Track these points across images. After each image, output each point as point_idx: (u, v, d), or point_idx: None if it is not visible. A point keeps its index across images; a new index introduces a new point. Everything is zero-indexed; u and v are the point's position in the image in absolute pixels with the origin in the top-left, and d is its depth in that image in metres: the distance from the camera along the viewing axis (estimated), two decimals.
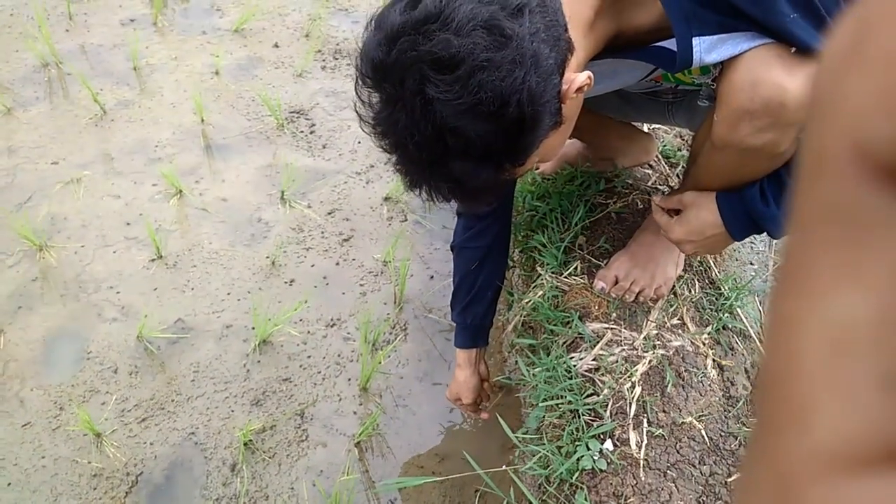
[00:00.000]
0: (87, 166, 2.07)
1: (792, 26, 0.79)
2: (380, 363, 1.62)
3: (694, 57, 0.84)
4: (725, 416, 1.12)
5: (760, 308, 1.42)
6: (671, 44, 0.87)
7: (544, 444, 1.09)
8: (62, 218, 1.92)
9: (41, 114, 2.22)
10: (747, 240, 1.60)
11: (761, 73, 0.82)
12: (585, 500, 0.99)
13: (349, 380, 1.64)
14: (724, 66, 0.87)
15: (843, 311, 0.13)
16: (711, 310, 1.26)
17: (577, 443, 1.07)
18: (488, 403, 1.53)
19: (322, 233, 1.95)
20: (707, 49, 0.83)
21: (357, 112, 0.82)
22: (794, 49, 0.81)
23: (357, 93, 0.81)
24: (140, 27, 2.57)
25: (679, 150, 1.57)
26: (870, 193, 0.13)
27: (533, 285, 1.34)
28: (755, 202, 0.97)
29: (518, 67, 0.74)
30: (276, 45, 2.55)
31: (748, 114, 0.85)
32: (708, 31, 0.82)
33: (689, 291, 1.27)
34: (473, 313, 1.36)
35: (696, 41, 0.83)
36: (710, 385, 1.15)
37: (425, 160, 0.80)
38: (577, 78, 0.82)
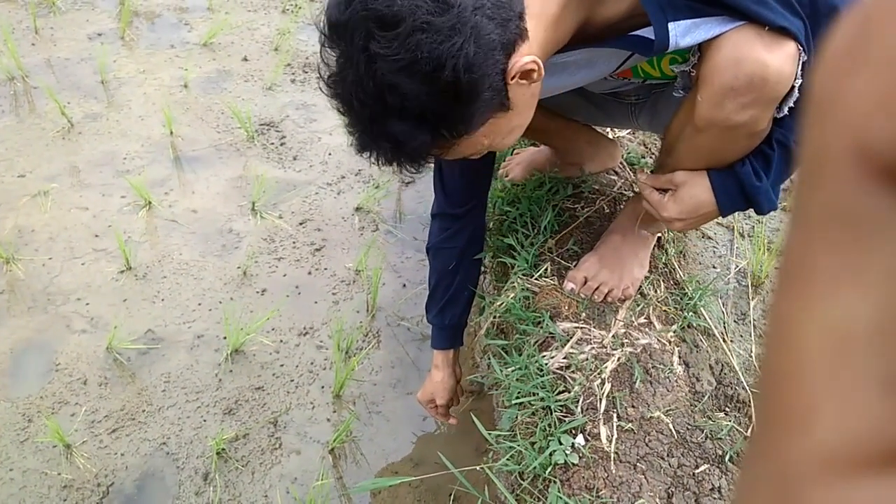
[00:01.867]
0: (55, 179, 2.05)
1: (761, 7, 0.85)
2: (353, 370, 1.63)
3: (670, 41, 0.88)
4: (692, 411, 1.15)
5: (723, 309, 1.46)
6: (646, 32, 0.91)
7: (518, 440, 1.11)
8: (29, 230, 1.90)
9: (7, 127, 2.20)
10: (710, 244, 1.65)
11: (744, 52, 0.87)
12: (559, 493, 1.01)
13: (322, 387, 1.64)
14: (703, 49, 0.92)
15: (843, 312, 0.13)
16: (677, 309, 1.30)
17: (549, 438, 1.09)
18: (459, 409, 1.55)
19: (294, 243, 1.96)
20: (682, 33, 0.88)
21: (319, 73, 0.87)
22: (766, 28, 0.86)
23: (321, 54, 0.86)
24: (107, 41, 2.57)
25: (643, 157, 1.62)
26: (870, 194, 0.13)
27: (504, 288, 1.36)
28: (749, 178, 1.01)
29: (457, 34, 0.78)
30: (246, 59, 2.56)
31: (732, 91, 0.89)
32: (682, 16, 0.87)
33: (655, 291, 1.31)
34: (451, 313, 1.38)
35: (671, 26, 0.87)
36: (676, 381, 1.18)
37: (367, 117, 0.85)
38: (521, 60, 0.86)
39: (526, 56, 0.87)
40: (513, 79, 0.87)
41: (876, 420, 0.13)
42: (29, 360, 1.64)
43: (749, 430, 1.18)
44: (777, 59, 0.87)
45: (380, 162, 0.92)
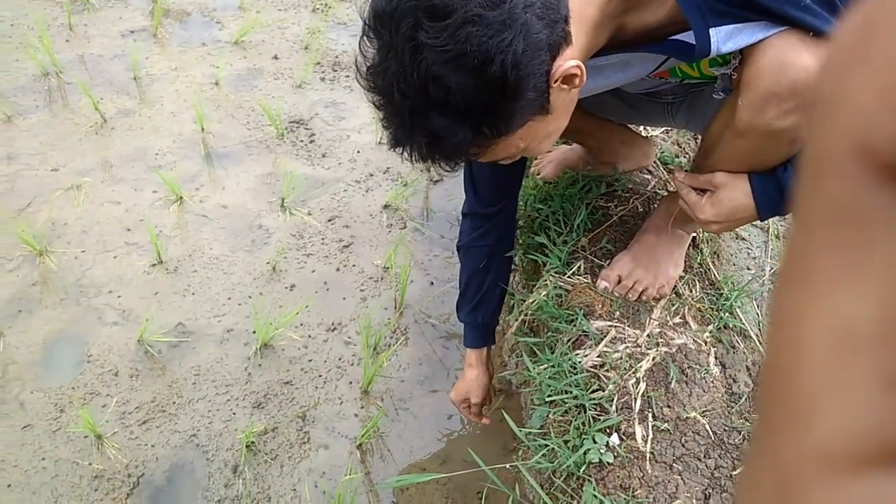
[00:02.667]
0: (87, 173, 2.07)
1: (805, 13, 0.83)
2: (381, 367, 1.63)
3: (712, 47, 0.87)
4: (728, 412, 1.13)
5: (759, 311, 1.44)
6: (686, 36, 0.90)
7: (551, 438, 1.10)
8: (62, 223, 1.93)
9: (41, 122, 2.23)
10: (744, 245, 1.63)
11: (787, 57, 0.85)
12: (594, 491, 1.00)
13: (350, 383, 1.65)
14: (745, 53, 0.90)
15: (845, 310, 0.13)
16: (712, 309, 1.28)
17: (583, 437, 1.08)
18: (491, 408, 1.54)
19: (322, 239, 1.96)
20: (724, 39, 0.87)
21: (356, 66, 0.87)
22: (811, 34, 0.84)
23: (359, 46, 0.85)
24: (140, 38, 2.59)
25: (676, 156, 1.60)
26: (872, 192, 0.13)
27: (536, 286, 1.35)
28: (791, 183, 1.00)
29: (507, 30, 0.77)
30: (276, 57, 2.57)
31: (775, 96, 0.88)
32: (723, 21, 0.86)
33: (691, 291, 1.29)
34: (484, 312, 1.38)
35: (712, 31, 0.86)
36: (712, 382, 1.17)
37: (407, 110, 0.83)
38: (566, 63, 0.85)
39: (570, 60, 0.86)
40: (556, 82, 0.86)
41: (877, 418, 0.13)
42: (61, 352, 1.65)
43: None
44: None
45: (413, 158, 0.91)
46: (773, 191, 1.02)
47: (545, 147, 0.98)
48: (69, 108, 2.29)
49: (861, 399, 0.13)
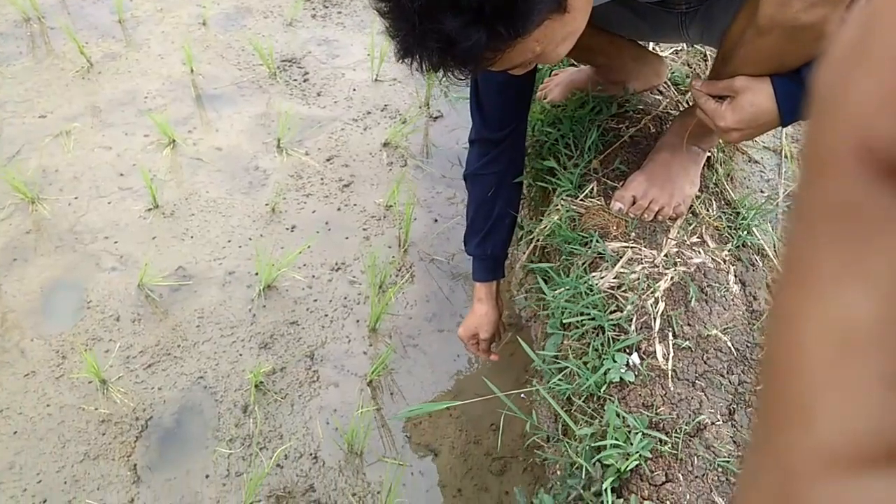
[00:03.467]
0: (76, 119, 2.01)
1: None
2: (387, 305, 1.59)
3: None
4: (750, 329, 1.10)
5: (774, 231, 1.40)
6: None
7: (569, 361, 1.07)
8: (53, 170, 1.87)
9: (25, 68, 2.15)
10: (756, 168, 1.58)
11: None
12: (616, 410, 0.97)
13: (357, 321, 1.61)
14: None
15: (845, 308, 0.13)
16: (730, 228, 1.24)
17: (602, 358, 1.05)
18: (500, 344, 1.51)
19: (321, 179, 1.91)
20: None
21: None
22: None
23: None
24: None
25: (687, 76, 1.55)
26: (873, 191, 0.13)
27: (547, 211, 1.31)
28: None
29: None
30: None
31: None
32: None
33: (707, 210, 1.25)
34: (493, 242, 1.33)
35: None
36: (732, 300, 1.13)
37: (417, 12, 0.78)
38: None
39: None
40: None
41: (878, 416, 0.13)
42: (59, 299, 1.61)
43: None
44: None
45: (424, 67, 0.86)
46: (797, 92, 0.97)
47: (562, 52, 0.92)
48: (53, 53, 2.21)
49: (862, 398, 0.13)
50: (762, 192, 1.54)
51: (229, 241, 1.74)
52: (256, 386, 1.46)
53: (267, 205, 1.83)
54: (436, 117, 2.11)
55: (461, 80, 0.90)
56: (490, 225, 1.33)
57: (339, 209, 1.85)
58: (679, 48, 1.65)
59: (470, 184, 1.34)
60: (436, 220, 1.85)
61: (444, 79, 0.89)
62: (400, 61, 0.87)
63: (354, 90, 2.17)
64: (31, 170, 1.86)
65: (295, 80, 2.18)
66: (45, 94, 2.07)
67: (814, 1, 0.84)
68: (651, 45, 1.53)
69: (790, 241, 0.15)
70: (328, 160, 1.96)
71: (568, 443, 1.03)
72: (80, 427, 1.40)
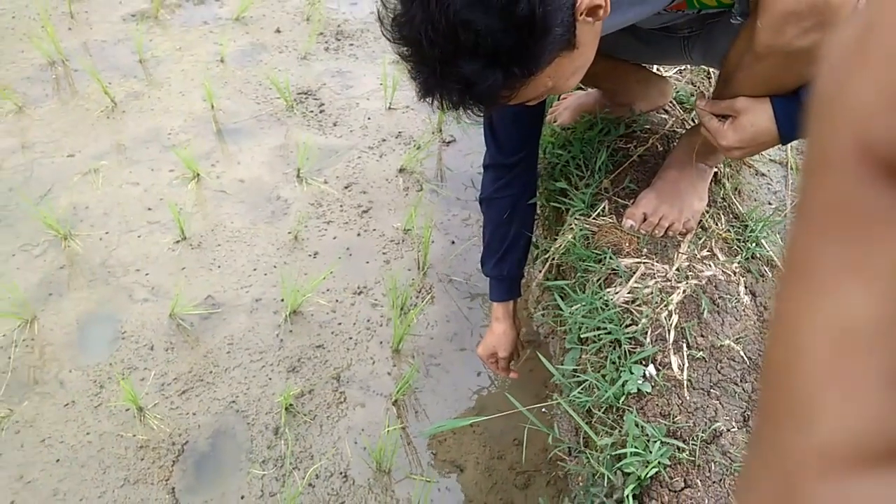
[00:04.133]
0: (103, 157, 2.09)
1: None
2: (409, 326, 1.65)
3: None
4: (762, 338, 1.14)
5: (782, 242, 1.44)
6: None
7: (588, 374, 1.12)
8: (83, 207, 1.95)
9: (52, 110, 2.24)
10: (764, 180, 1.63)
11: None
12: (635, 420, 1.02)
13: (381, 343, 1.67)
14: None
15: (846, 308, 0.13)
16: (739, 241, 1.28)
17: (620, 370, 1.09)
18: (518, 361, 1.55)
19: (341, 206, 1.97)
20: None
21: (379, 18, 0.87)
22: None
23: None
24: (142, 21, 2.59)
25: (692, 95, 1.60)
26: (874, 191, 0.13)
27: (562, 230, 1.36)
28: None
29: None
30: (278, 31, 2.57)
31: (794, 15, 0.88)
32: None
33: (716, 224, 1.30)
34: (510, 263, 1.38)
35: None
36: (744, 310, 1.18)
37: (437, 58, 0.83)
38: None
39: None
40: (581, 15, 0.86)
41: (878, 416, 0.13)
42: (95, 331, 1.68)
43: None
44: None
45: (444, 106, 0.91)
46: (795, 112, 1.02)
47: (572, 83, 0.98)
48: (78, 94, 2.30)
49: (863, 397, 0.13)
50: (770, 203, 1.58)
51: (255, 270, 1.81)
52: (286, 408, 1.51)
53: (289, 233, 1.89)
54: (449, 142, 2.17)
55: (479, 116, 0.96)
56: (506, 247, 1.38)
57: (358, 235, 1.91)
58: (683, 67, 1.71)
59: (486, 207, 1.40)
60: (453, 242, 1.91)
61: (464, 115, 0.95)
62: (422, 100, 0.93)
63: (369, 119, 2.24)
64: (62, 207, 1.93)
65: (311, 111, 2.26)
66: (73, 134, 2.16)
67: (806, 27, 0.89)
68: (655, 66, 1.59)
69: (791, 241, 0.15)
70: (346, 188, 2.03)
71: (589, 453, 1.08)
72: (119, 453, 1.46)
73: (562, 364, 1.24)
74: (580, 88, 1.62)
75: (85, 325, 1.69)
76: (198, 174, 2.02)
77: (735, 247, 1.27)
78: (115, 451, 1.47)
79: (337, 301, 1.75)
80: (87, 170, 2.05)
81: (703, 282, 1.20)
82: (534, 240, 1.48)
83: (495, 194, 1.36)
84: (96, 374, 1.59)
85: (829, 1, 0.86)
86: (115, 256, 1.83)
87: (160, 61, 2.43)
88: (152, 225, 1.90)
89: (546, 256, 1.43)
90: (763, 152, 1.54)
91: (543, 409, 1.44)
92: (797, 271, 0.15)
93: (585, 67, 0.99)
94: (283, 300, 1.72)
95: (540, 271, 1.50)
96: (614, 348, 1.14)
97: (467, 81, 0.85)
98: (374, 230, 1.92)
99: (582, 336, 1.17)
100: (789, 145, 1.67)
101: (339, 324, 1.70)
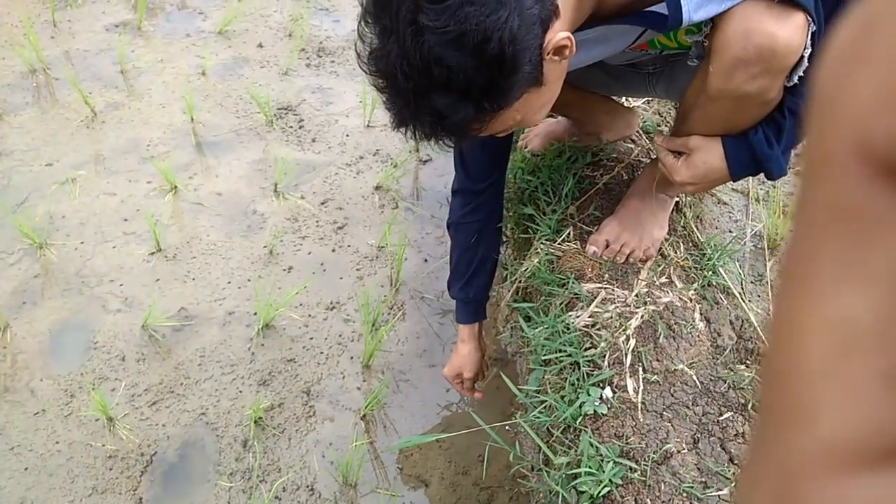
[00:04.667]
0: (81, 166, 2.10)
1: None
2: (380, 342, 1.68)
3: (684, 16, 0.92)
4: (714, 363, 1.20)
5: (740, 270, 1.50)
6: (660, 8, 0.95)
7: (549, 395, 1.16)
8: (60, 216, 1.96)
9: (32, 118, 2.26)
10: (725, 209, 1.69)
11: (753, 24, 0.90)
12: (590, 440, 1.06)
13: (351, 358, 1.70)
14: (715, 22, 0.95)
15: (846, 309, 0.13)
16: (696, 269, 1.34)
17: (578, 391, 1.14)
18: (483, 382, 1.59)
19: (317, 222, 2.01)
20: (695, 7, 0.92)
21: (356, 52, 0.90)
22: (776, 1, 0.89)
23: (359, 32, 0.88)
24: (125, 32, 2.61)
25: (658, 125, 1.66)
26: (873, 191, 0.13)
27: (528, 255, 1.41)
28: (762, 146, 1.05)
29: (502, 8, 0.81)
30: (261, 46, 2.60)
31: (742, 62, 0.93)
32: None
33: (675, 252, 1.35)
34: (476, 287, 1.42)
35: (684, 1, 0.91)
36: (698, 336, 1.23)
37: (411, 91, 0.87)
38: (556, 36, 0.89)
39: (560, 32, 0.90)
40: (548, 54, 0.91)
41: (878, 416, 0.13)
42: (67, 340, 1.69)
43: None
44: (786, 30, 0.91)
45: (418, 136, 0.94)
46: (745, 153, 1.08)
47: (539, 117, 1.03)
48: (59, 103, 2.31)
49: (863, 398, 0.13)
50: (730, 231, 1.64)
51: (229, 283, 1.83)
52: (256, 421, 1.54)
53: (265, 247, 1.92)
54: (425, 161, 2.22)
55: (450, 147, 1.00)
56: (472, 270, 1.42)
57: (333, 250, 1.94)
58: (650, 99, 1.77)
59: (453, 231, 1.44)
60: (426, 260, 1.95)
61: (436, 146, 0.99)
62: (395, 130, 0.96)
63: (347, 136, 2.28)
64: (38, 216, 1.95)
65: (291, 126, 2.29)
66: (51, 142, 2.17)
67: (754, 73, 0.95)
68: (623, 98, 1.65)
69: (791, 241, 0.15)
70: (323, 203, 2.06)
71: (548, 472, 1.12)
72: (88, 463, 1.48)
73: (527, 383, 1.29)
74: (551, 116, 1.67)
75: (57, 335, 1.70)
76: (175, 186, 2.04)
77: (692, 274, 1.33)
78: (84, 460, 1.48)
79: (310, 316, 1.78)
80: (65, 179, 2.06)
81: (661, 308, 1.25)
82: (503, 261, 1.53)
83: (463, 219, 1.40)
84: (67, 383, 1.60)
85: (776, 50, 0.91)
86: (90, 266, 1.84)
87: (142, 72, 2.46)
88: (128, 236, 1.92)
89: (514, 279, 1.47)
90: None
91: (507, 427, 1.48)
92: (797, 271, 0.15)
93: (552, 102, 1.03)
94: (255, 314, 1.74)
95: (508, 292, 1.54)
96: (574, 370, 1.18)
97: (440, 114, 0.88)
98: (349, 246, 1.96)
99: (544, 358, 1.22)
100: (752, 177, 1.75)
101: (311, 338, 1.73)
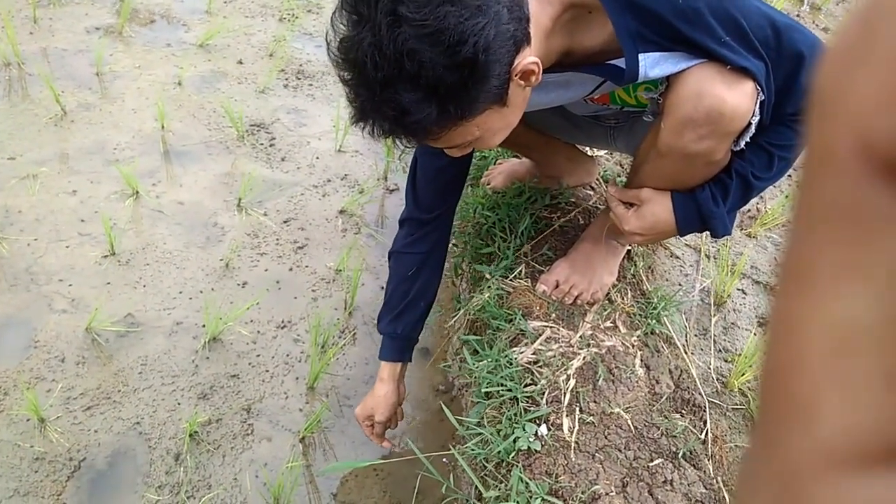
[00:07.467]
0: (45, 163, 2.08)
1: (723, 48, 0.92)
2: (328, 364, 1.67)
3: (640, 71, 0.96)
4: (650, 410, 1.21)
5: (686, 323, 1.53)
6: (620, 62, 0.99)
7: (485, 428, 1.17)
8: (16, 211, 1.93)
9: (0, 111, 2.23)
10: (677, 263, 1.73)
11: (705, 87, 0.94)
12: (521, 476, 1.06)
13: (297, 379, 1.69)
14: (670, 81, 0.99)
15: (846, 307, 0.13)
16: (641, 316, 1.37)
17: (514, 426, 1.14)
18: (395, 428, 1.52)
19: (277, 240, 2.01)
20: (651, 65, 0.95)
21: (327, 41, 0.89)
22: (728, 66, 0.94)
23: (332, 22, 0.88)
24: (105, 36, 2.62)
25: (619, 175, 1.70)
26: (874, 191, 0.13)
27: (480, 288, 1.43)
28: (708, 203, 1.09)
29: (481, 15, 0.83)
30: (241, 62, 2.62)
31: (692, 122, 0.97)
32: (652, 48, 0.94)
33: (622, 299, 1.38)
34: (405, 323, 1.37)
35: (641, 57, 0.95)
36: (637, 382, 1.25)
37: (379, 82, 0.86)
38: (526, 59, 0.91)
39: (530, 56, 0.92)
40: (516, 75, 0.92)
41: (878, 416, 0.13)
42: (8, 336, 1.66)
43: (703, 433, 1.24)
44: (735, 96, 0.95)
45: (376, 133, 0.93)
46: (692, 209, 1.12)
47: (496, 141, 1.04)
48: (29, 98, 2.29)
49: (863, 397, 0.13)
50: (680, 285, 1.68)
51: (180, 293, 1.81)
52: (191, 435, 1.51)
53: (221, 260, 1.91)
54: (392, 190, 2.24)
55: (407, 147, 1.00)
56: (405, 304, 1.37)
57: (290, 269, 1.94)
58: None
59: (393, 261, 1.41)
60: (382, 288, 1.95)
61: (392, 145, 0.97)
62: (354, 125, 0.95)
63: (317, 158, 2.29)
64: None
65: (262, 143, 2.30)
66: (17, 137, 2.15)
67: (703, 134, 0.99)
68: (585, 147, 1.69)
69: (790, 240, 0.15)
70: (285, 222, 2.06)
71: None
72: (13, 463, 1.43)
73: (470, 413, 1.29)
74: (515, 156, 1.71)
75: None
76: (137, 191, 2.03)
77: (637, 321, 1.35)
78: (9, 460, 1.44)
79: (259, 332, 1.77)
80: (26, 174, 2.04)
81: (603, 351, 1.27)
82: (457, 294, 1.54)
83: (404, 249, 1.37)
84: (2, 380, 1.56)
85: (723, 113, 0.95)
86: (41, 264, 1.81)
87: (117, 76, 2.45)
88: (83, 237, 1.90)
89: (465, 310, 1.49)
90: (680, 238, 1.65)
91: (444, 460, 1.47)
92: (796, 271, 0.15)
93: (509, 129, 1.04)
94: (204, 326, 1.72)
95: (460, 325, 1.55)
96: (513, 405, 1.19)
97: (403, 110, 0.88)
98: (307, 267, 1.96)
99: (486, 391, 1.23)
100: (704, 234, 1.80)
101: (258, 355, 1.72)
